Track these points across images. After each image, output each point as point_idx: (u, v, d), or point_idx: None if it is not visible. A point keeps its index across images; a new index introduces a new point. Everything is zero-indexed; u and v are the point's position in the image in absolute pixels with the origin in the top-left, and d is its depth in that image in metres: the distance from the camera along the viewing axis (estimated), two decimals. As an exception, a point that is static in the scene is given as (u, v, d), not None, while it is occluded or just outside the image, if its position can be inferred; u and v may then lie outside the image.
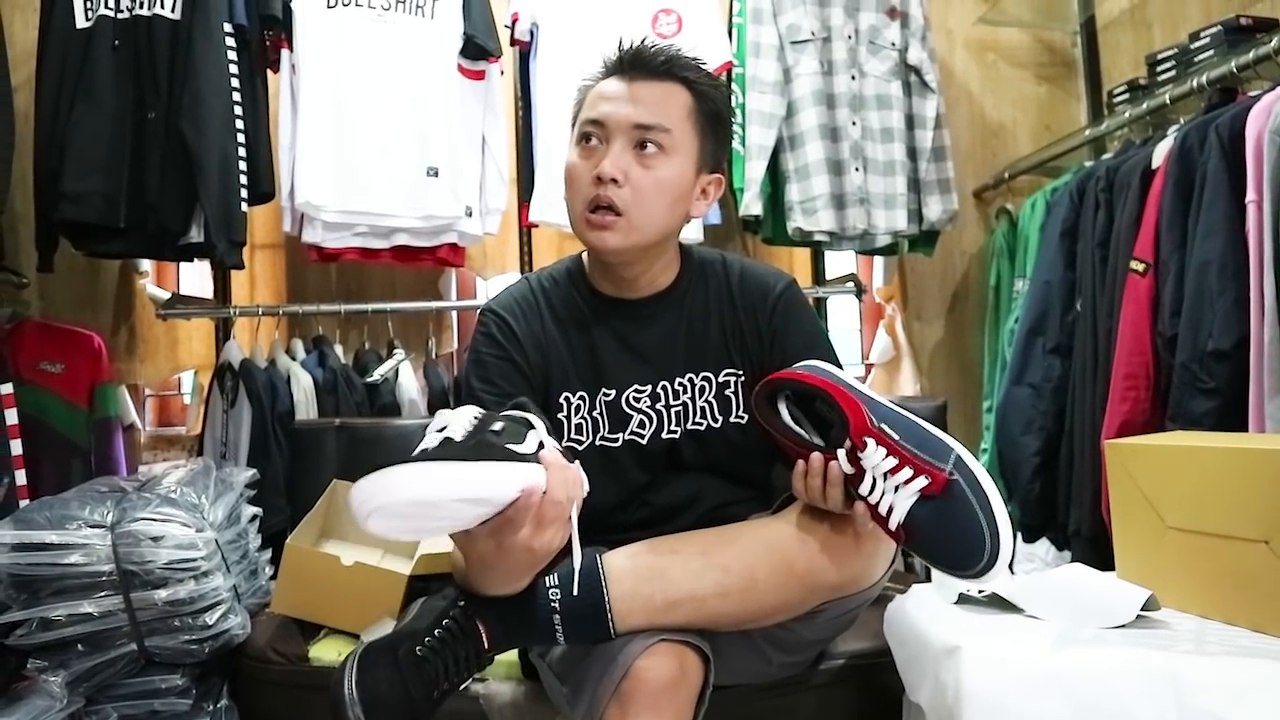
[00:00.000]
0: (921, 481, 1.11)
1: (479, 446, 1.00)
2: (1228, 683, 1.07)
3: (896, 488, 1.13)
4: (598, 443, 1.37)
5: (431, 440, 1.00)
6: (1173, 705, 1.06)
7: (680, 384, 1.38)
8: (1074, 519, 2.23)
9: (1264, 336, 1.73)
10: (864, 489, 1.15)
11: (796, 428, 1.26)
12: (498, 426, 1.03)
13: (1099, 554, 1.96)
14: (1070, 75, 3.11)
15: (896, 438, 1.15)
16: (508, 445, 1.02)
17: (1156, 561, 1.37)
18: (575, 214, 1.33)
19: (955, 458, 1.13)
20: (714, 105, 1.35)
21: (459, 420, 1.02)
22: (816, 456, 1.19)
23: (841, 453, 1.17)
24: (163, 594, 1.59)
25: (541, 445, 1.05)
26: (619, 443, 1.37)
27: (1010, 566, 1.12)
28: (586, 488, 1.09)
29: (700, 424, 1.37)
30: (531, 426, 1.06)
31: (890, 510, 1.13)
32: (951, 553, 1.11)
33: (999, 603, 1.37)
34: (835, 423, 1.20)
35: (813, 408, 1.27)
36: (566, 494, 1.04)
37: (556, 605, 1.14)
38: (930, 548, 1.13)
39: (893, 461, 1.13)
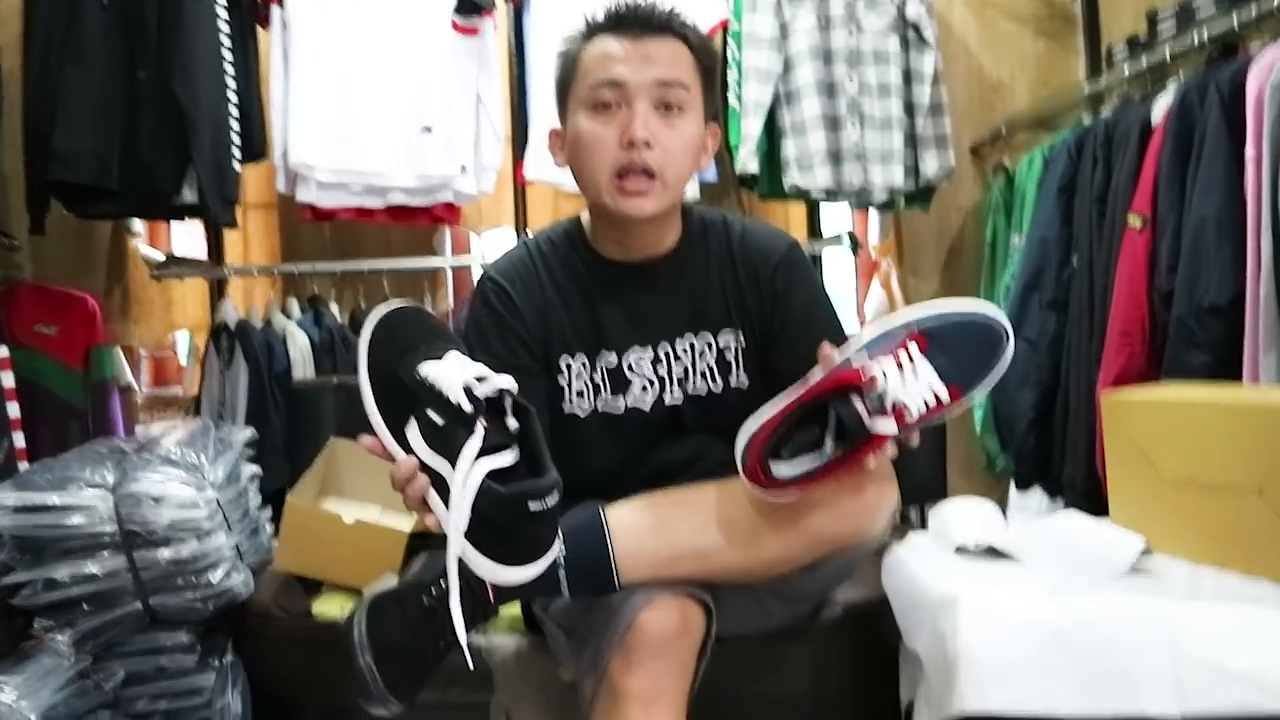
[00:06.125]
0: (913, 350, 1.11)
1: None
2: (1221, 628, 1.09)
3: (905, 380, 1.10)
4: (600, 408, 1.36)
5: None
6: (1167, 651, 1.08)
7: (681, 347, 1.37)
8: (1068, 472, 2.25)
9: (1260, 292, 1.73)
10: (897, 405, 1.10)
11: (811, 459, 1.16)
12: None
13: (1092, 506, 1.97)
14: (1069, 31, 3.07)
15: (866, 353, 1.13)
16: None
17: (1151, 513, 1.38)
18: (600, 182, 1.27)
19: (903, 323, 1.14)
20: (709, 59, 1.34)
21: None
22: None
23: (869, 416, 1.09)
24: (166, 553, 1.60)
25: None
26: (621, 409, 1.37)
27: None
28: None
29: (701, 388, 1.37)
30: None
31: (927, 392, 1.10)
32: (983, 357, 1.12)
33: (996, 553, 1.38)
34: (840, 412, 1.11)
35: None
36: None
37: (561, 559, 1.14)
38: (967, 370, 1.12)
39: (887, 365, 1.10)
